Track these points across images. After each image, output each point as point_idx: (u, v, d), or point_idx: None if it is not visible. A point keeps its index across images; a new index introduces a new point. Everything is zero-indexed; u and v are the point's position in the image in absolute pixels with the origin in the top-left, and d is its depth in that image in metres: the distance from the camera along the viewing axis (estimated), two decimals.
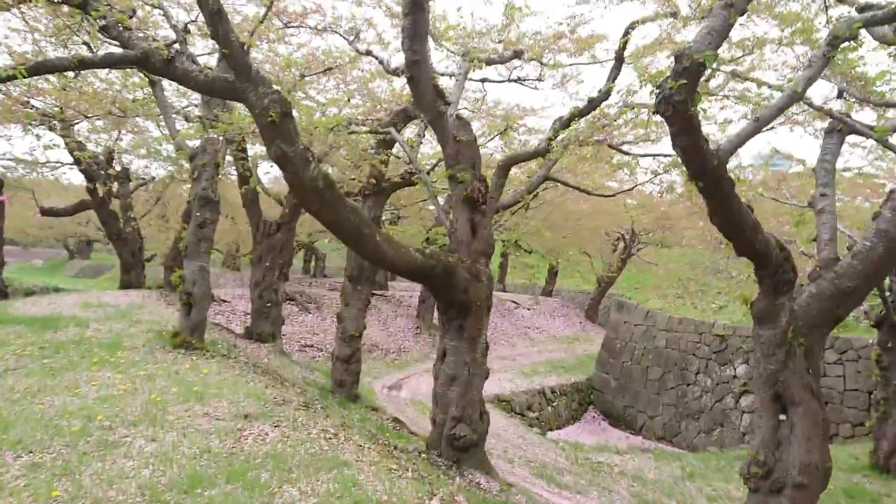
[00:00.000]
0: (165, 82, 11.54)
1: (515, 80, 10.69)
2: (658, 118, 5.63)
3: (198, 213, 10.44)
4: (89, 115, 13.59)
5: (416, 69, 7.68)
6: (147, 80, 11.07)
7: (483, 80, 11.13)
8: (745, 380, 19.09)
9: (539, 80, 10.50)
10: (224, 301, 20.86)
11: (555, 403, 21.93)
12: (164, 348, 10.29)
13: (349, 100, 12.46)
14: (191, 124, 12.78)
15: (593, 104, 9.96)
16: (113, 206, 22.29)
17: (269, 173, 39.33)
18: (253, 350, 14.48)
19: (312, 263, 44.37)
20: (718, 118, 14.84)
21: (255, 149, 17.24)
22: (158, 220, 31.99)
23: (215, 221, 10.63)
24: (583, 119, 8.81)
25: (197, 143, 10.97)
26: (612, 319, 24.86)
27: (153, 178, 24.97)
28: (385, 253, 7.38)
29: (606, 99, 10.06)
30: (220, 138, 10.37)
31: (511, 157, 8.37)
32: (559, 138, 8.50)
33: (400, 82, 12.38)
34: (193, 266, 10.47)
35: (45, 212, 22.84)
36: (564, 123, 8.60)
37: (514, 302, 33.06)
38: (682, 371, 21.24)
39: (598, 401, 24.02)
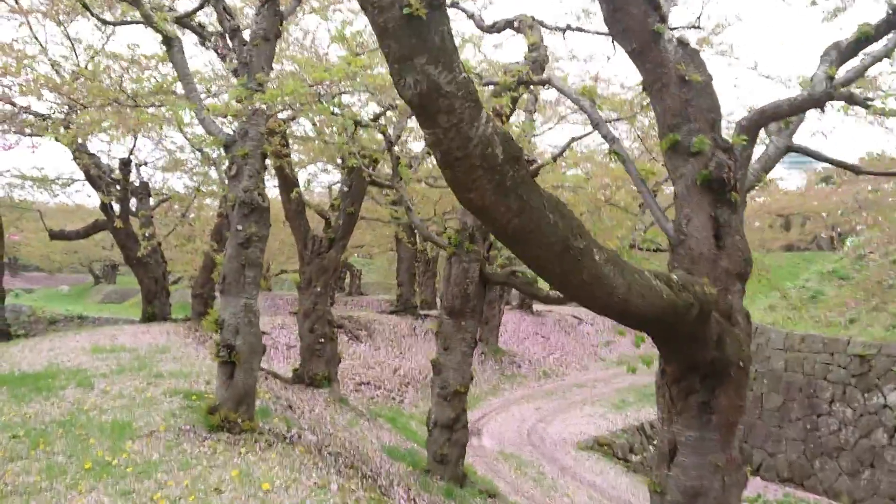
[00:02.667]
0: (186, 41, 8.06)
1: None
2: None
3: (239, 227, 6.91)
4: (94, 105, 10.17)
5: None
6: (162, 40, 7.58)
7: None
8: None
9: None
10: (263, 333, 17.29)
11: (655, 442, 18.12)
12: (196, 432, 6.72)
13: None
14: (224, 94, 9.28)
15: None
16: (131, 226, 18.93)
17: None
18: (309, 404, 10.92)
19: (347, 281, 40.88)
20: None
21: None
22: (184, 241, 28.75)
23: (264, 238, 7.10)
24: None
25: (224, 130, 7.47)
26: None
27: (176, 192, 21.57)
28: (610, 283, 3.77)
29: None
30: (266, 113, 6.86)
31: (765, 110, 4.86)
32: (841, 74, 4.93)
33: (491, 41, 8.81)
34: (235, 305, 6.93)
35: (55, 235, 19.54)
36: (851, 49, 5.02)
37: (576, 317, 29.26)
38: (811, 399, 17.36)
39: None
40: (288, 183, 12.63)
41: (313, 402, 11.38)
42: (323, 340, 13.12)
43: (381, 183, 13.72)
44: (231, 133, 7.16)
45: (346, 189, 12.92)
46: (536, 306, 29.05)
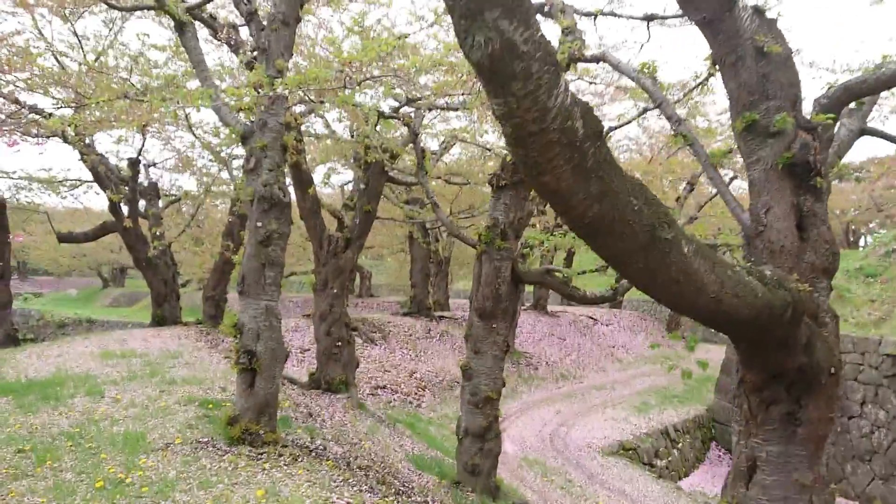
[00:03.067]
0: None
1: None
2: None
3: (259, 224, 6.39)
4: (100, 100, 9.67)
5: None
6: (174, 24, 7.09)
7: None
8: None
9: None
10: None
11: (679, 445, 17.57)
12: (215, 445, 6.20)
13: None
14: (242, 75, 8.76)
15: None
16: (140, 227, 18.49)
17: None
18: (329, 411, 10.41)
19: (357, 283, 40.40)
20: None
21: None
22: (193, 242, 28.36)
23: (285, 235, 6.58)
24: None
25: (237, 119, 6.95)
26: None
27: (186, 192, 21.12)
28: (701, 280, 3.24)
29: None
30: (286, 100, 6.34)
31: (849, 86, 4.30)
32: None
33: None
34: (255, 308, 6.40)
35: (63, 238, 19.09)
36: None
37: (591, 317, 28.69)
38: (841, 401, 16.75)
39: (723, 437, 19.55)
40: (303, 180, 12.14)
41: (332, 408, 10.87)
42: (340, 344, 12.62)
43: (399, 180, 13.22)
44: (249, 123, 6.65)
45: (362, 186, 12.41)
46: (551, 307, 28.51)
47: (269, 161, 6.57)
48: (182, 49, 14.63)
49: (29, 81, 10.60)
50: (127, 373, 10.14)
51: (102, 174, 17.09)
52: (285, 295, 42.07)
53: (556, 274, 7.77)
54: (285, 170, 6.76)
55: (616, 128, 7.81)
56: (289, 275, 41.52)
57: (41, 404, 8.14)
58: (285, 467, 5.74)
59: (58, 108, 11.12)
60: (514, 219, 7.71)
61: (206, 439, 6.32)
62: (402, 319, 21.33)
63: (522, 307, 27.80)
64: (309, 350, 16.25)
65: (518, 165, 3.00)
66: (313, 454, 6.37)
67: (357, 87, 6.40)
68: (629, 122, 7.91)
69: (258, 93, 5.74)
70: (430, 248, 21.92)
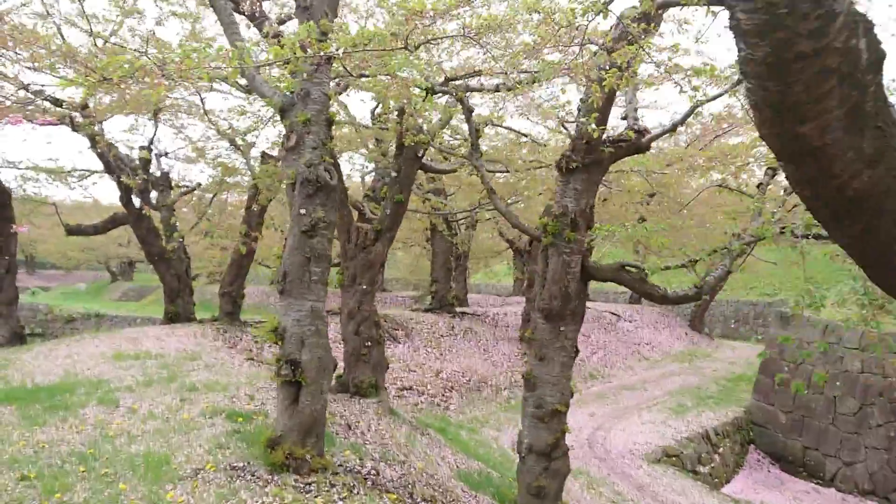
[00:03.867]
0: None
1: None
2: None
3: (302, 211, 5.39)
4: (117, 60, 8.66)
5: None
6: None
7: None
8: None
9: None
10: None
11: (721, 449, 16.57)
12: (253, 472, 5.21)
13: None
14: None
15: None
16: (152, 220, 17.54)
17: None
18: (363, 419, 9.44)
19: None
20: None
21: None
22: (204, 234, 27.50)
23: (333, 225, 5.59)
24: None
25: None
26: (772, 335, 19.34)
27: (199, 184, 20.13)
28: None
29: None
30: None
31: None
32: None
33: None
34: (299, 309, 5.41)
35: (72, 230, 18.13)
36: None
37: (614, 313, 27.66)
38: (893, 404, 15.73)
39: (762, 439, 18.53)
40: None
41: (365, 415, 9.90)
42: (370, 344, 11.65)
43: (433, 167, 12.22)
44: (289, 94, 5.65)
45: (394, 174, 11.41)
46: None
47: (313, 137, 5.58)
48: (198, 30, 13.66)
49: (35, 56, 9.58)
50: (142, 377, 9.19)
51: (113, 163, 16.13)
52: None
53: (631, 270, 6.76)
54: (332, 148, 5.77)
55: (683, 120, 6.77)
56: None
57: (48, 415, 7.20)
58: (340, 502, 4.76)
59: (66, 84, 10.11)
60: (586, 206, 6.70)
61: (241, 464, 5.34)
62: (423, 316, 20.34)
63: None
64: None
65: (760, 110, 2.01)
66: (369, 482, 5.39)
67: (415, 51, 5.38)
68: (688, 115, 6.86)
69: (305, 53, 4.73)
70: (453, 242, 20.93)
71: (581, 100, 6.58)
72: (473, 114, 7.83)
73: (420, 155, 11.41)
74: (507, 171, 12.52)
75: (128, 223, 17.50)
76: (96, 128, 16.01)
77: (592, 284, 7.65)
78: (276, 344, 5.46)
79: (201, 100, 15.71)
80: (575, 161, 6.56)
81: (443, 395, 15.91)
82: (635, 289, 6.83)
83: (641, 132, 6.73)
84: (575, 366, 21.10)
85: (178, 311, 17.65)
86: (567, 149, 6.71)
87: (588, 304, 27.03)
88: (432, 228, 20.76)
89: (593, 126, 5.92)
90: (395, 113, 11.26)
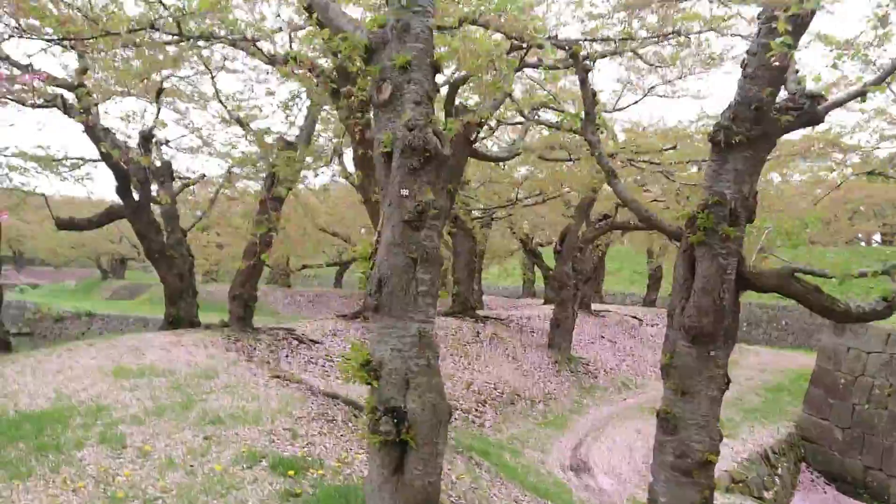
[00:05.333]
0: None
1: None
2: None
3: (404, 192, 3.69)
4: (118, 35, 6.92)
5: None
6: None
7: None
8: None
9: None
10: (313, 342, 14.04)
11: (779, 471, 14.98)
12: None
13: None
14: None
15: None
16: (152, 213, 15.76)
17: None
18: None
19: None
20: None
21: None
22: (201, 231, 25.72)
23: (444, 214, 3.89)
24: None
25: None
26: (826, 345, 17.72)
27: (202, 175, 18.31)
28: None
29: None
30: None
31: None
32: None
33: None
34: (401, 334, 3.70)
35: (63, 224, 16.26)
36: None
37: (636, 317, 26.02)
38: None
39: (815, 458, 16.95)
40: (360, 143, 9.24)
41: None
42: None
43: (485, 154, 10.53)
44: (379, 29, 3.94)
45: None
46: (595, 305, 25.85)
47: (416, 89, 3.88)
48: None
49: (21, 7, 7.76)
50: (151, 401, 7.44)
51: (109, 144, 14.30)
52: (295, 289, 39.15)
53: (802, 277, 5.10)
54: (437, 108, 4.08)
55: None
56: (301, 268, 38.73)
57: (35, 460, 5.45)
58: None
59: (61, 32, 8.27)
60: (749, 193, 5.04)
61: None
62: (444, 321, 18.60)
63: None
64: None
65: None
66: None
67: None
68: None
69: None
70: (475, 240, 19.25)
71: (748, 52, 4.91)
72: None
73: (473, 139, 9.73)
74: (571, 159, 10.77)
75: (125, 216, 15.66)
76: (92, 111, 14.22)
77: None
78: (368, 384, 3.76)
79: (212, 78, 13.95)
80: (737, 133, 4.89)
81: (476, 410, 14.21)
82: (808, 302, 5.18)
83: (816, 98, 5.07)
84: (606, 375, 19.53)
85: (179, 315, 15.83)
86: (723, 117, 5.05)
87: (608, 307, 25.41)
88: (455, 225, 19.04)
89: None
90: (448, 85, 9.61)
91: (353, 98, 5.84)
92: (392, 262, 3.73)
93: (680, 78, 10.37)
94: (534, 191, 17.50)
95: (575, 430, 14.75)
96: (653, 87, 10.68)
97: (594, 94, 5.71)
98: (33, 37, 9.42)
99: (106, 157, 14.11)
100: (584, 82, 5.70)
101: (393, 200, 3.76)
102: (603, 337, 22.48)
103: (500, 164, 16.89)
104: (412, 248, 3.70)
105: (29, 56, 12.02)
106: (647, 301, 32.70)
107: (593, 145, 5.75)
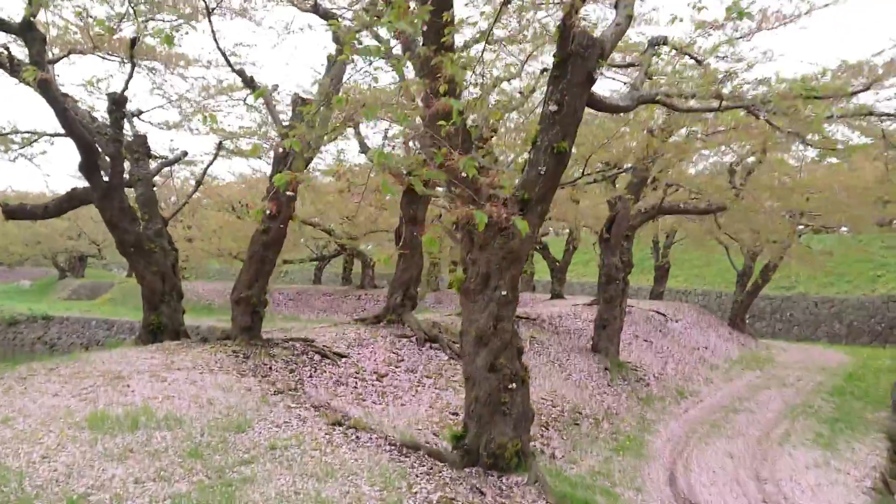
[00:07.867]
0: None
1: None
2: None
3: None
4: None
5: None
6: None
7: None
8: None
9: None
10: (339, 355, 10.96)
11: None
12: None
13: None
14: None
15: None
16: (125, 197, 12.51)
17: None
18: None
19: (359, 270, 34.62)
20: None
21: None
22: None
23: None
24: None
25: None
26: None
27: (184, 152, 14.99)
28: None
29: None
30: None
31: None
32: None
33: None
34: None
35: (12, 212, 12.84)
36: None
37: (660, 313, 23.46)
38: None
39: None
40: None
41: None
42: (514, 385, 7.04)
43: (608, 102, 7.59)
44: None
45: (552, 108, 6.77)
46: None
47: None
48: None
49: None
50: (158, 487, 4.35)
51: (72, 120, 11.03)
52: (274, 287, 35.73)
53: None
54: None
55: None
56: (280, 263, 35.31)
57: None
58: None
59: None
60: None
61: None
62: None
63: (586, 303, 22.68)
64: (401, 384, 10.56)
65: None
66: None
67: None
68: None
69: None
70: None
71: None
72: None
73: (594, 78, 6.83)
74: (719, 109, 7.81)
75: (91, 202, 12.36)
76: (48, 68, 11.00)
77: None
78: None
79: (210, 24, 10.71)
80: None
81: (541, 437, 11.32)
82: None
83: None
84: (657, 381, 16.70)
85: (161, 322, 12.63)
86: None
87: (630, 301, 22.67)
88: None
89: None
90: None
91: None
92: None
93: None
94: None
95: (656, 456, 11.95)
96: None
97: None
98: None
99: (66, 123, 10.81)
100: None
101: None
102: (638, 336, 19.83)
103: None
104: None
105: None
106: (654, 294, 30.36)
107: None
